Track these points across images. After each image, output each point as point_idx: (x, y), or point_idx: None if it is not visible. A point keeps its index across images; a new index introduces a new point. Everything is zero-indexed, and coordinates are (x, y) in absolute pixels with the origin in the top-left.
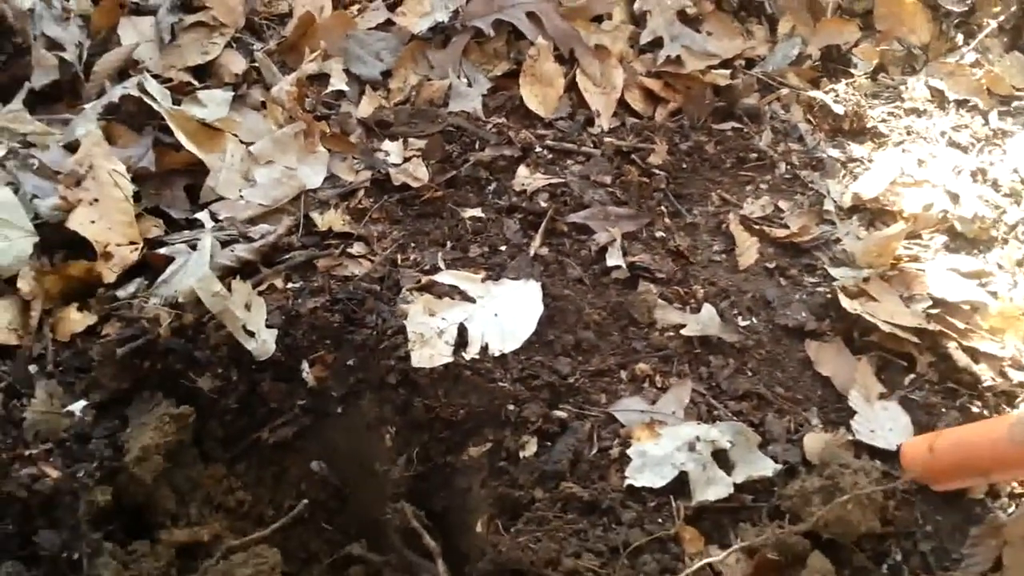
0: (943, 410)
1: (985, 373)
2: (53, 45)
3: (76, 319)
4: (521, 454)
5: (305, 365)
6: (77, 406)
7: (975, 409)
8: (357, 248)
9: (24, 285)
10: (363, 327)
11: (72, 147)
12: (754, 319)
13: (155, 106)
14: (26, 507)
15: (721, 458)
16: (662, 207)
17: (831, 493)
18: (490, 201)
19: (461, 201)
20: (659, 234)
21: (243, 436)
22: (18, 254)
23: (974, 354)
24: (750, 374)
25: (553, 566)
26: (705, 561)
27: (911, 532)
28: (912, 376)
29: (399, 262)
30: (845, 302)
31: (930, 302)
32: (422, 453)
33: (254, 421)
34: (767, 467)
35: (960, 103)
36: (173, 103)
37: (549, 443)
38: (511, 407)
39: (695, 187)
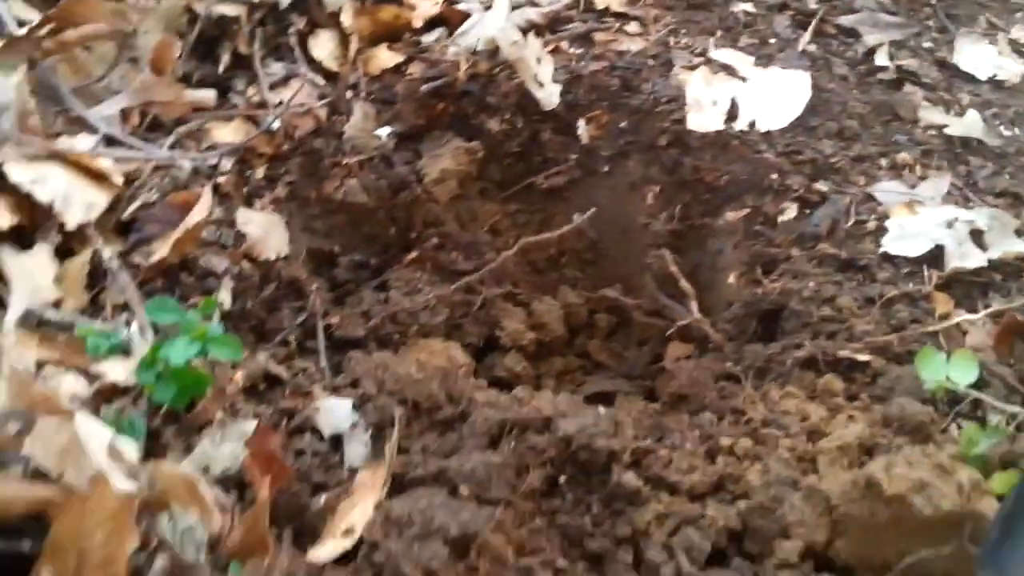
0: None
1: None
2: None
3: (385, 56)
4: (779, 218)
5: (581, 122)
6: (383, 131)
7: None
8: (632, 27)
9: (346, 19)
10: (639, 93)
11: None
12: (1017, 130)
13: None
14: None
15: (976, 238)
16: (930, 21)
17: None
18: None
19: None
20: (926, 44)
21: (519, 180)
22: None
23: None
24: (1008, 177)
25: (810, 303)
26: (956, 320)
27: None
28: None
29: (671, 44)
30: None
31: None
32: (682, 212)
33: (531, 167)
34: (1023, 247)
35: None
36: None
37: (808, 210)
38: (774, 176)
39: (963, 8)
